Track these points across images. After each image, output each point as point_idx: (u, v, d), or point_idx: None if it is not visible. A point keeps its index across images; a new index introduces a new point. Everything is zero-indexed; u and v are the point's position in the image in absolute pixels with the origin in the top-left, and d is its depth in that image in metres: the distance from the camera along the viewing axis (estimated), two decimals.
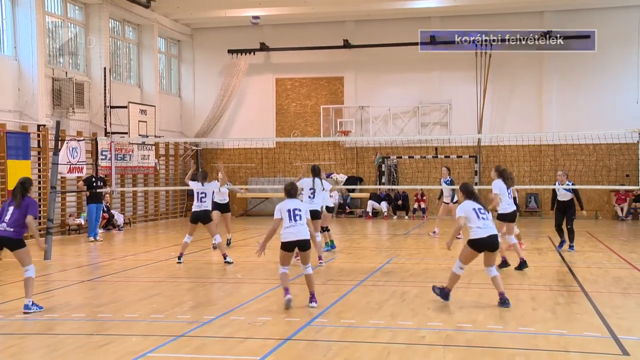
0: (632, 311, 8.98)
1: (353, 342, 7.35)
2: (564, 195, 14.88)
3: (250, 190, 26.26)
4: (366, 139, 26.53)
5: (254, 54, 27.56)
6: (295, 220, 8.92)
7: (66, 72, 20.75)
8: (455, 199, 17.35)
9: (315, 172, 12.96)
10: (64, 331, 8.03)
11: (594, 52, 25.14)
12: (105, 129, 21.94)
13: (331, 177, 26.49)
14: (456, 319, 8.35)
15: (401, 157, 26.60)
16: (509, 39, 25.43)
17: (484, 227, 9.02)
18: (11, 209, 9.00)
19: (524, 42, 25.54)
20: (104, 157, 20.47)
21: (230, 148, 27.17)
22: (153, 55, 25.48)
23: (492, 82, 25.88)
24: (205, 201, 13.42)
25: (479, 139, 25.53)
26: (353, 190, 26.61)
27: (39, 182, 19.13)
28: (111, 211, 21.11)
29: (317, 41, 26.93)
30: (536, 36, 25.30)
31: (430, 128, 26.41)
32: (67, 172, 19.46)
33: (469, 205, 9.19)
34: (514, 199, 12.87)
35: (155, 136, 23.68)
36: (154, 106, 24.05)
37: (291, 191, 9.28)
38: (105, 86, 21.90)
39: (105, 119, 21.97)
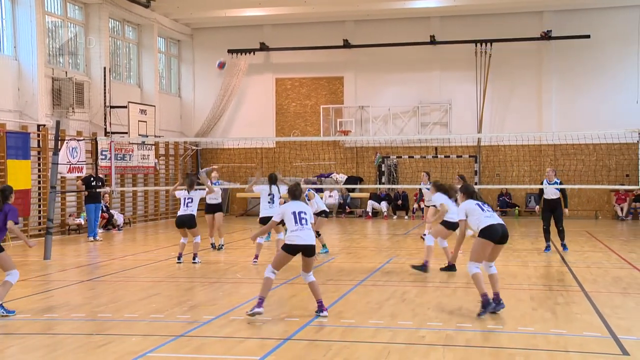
0: (631, 311, 8.98)
1: (353, 342, 7.35)
2: (552, 194, 14.76)
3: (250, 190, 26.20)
4: (366, 139, 26.54)
5: (254, 53, 27.57)
6: (302, 224, 8.45)
7: (66, 72, 20.76)
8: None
9: (272, 180, 13.19)
10: (64, 331, 8.02)
11: (593, 52, 25.19)
12: (105, 128, 21.94)
13: (331, 177, 26.53)
14: (456, 319, 8.35)
15: (401, 157, 26.60)
16: (508, 39, 25.47)
17: (491, 216, 8.71)
18: None
19: (523, 42, 25.59)
20: (103, 157, 20.47)
21: (230, 148, 27.18)
22: (153, 55, 25.48)
23: (491, 82, 25.89)
24: (191, 206, 13.51)
25: (478, 138, 25.54)
26: (353, 190, 26.61)
27: (39, 182, 19.13)
28: (111, 211, 21.12)
29: (317, 41, 26.94)
30: (536, 36, 25.32)
31: (430, 128, 26.42)
32: (67, 172, 19.46)
33: (471, 203, 8.91)
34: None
35: (155, 136, 23.68)
36: (154, 106, 24.05)
37: (296, 192, 8.80)
38: (105, 86, 21.90)
39: (105, 118, 21.98)
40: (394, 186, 25.36)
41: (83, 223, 19.72)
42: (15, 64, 18.82)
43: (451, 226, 11.59)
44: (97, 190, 18.30)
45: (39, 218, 19.10)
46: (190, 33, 28.39)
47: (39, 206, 19.14)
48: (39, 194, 19.07)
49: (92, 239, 17.93)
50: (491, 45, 25.66)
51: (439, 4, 25.36)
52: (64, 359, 6.86)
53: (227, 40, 27.77)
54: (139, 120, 22.69)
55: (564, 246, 14.88)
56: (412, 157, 26.42)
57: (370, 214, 25.80)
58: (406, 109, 26.72)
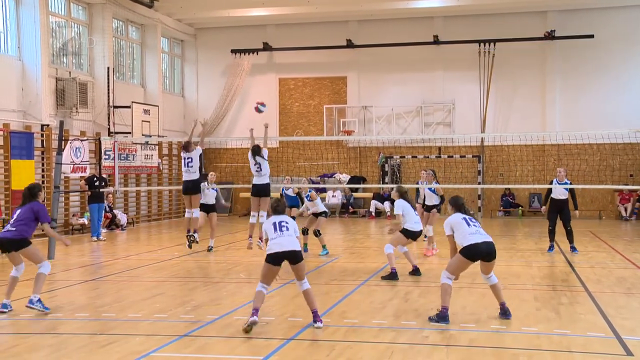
0: (635, 311, 8.97)
1: (356, 342, 7.35)
2: (561, 194, 14.70)
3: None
4: (369, 139, 26.53)
5: (257, 53, 27.58)
6: (282, 231, 7.97)
7: (70, 72, 20.78)
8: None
9: (255, 151, 13.06)
10: (68, 331, 8.04)
11: (597, 51, 25.15)
12: (109, 128, 21.96)
13: (334, 177, 26.53)
14: (459, 319, 8.34)
15: (404, 157, 26.58)
16: (512, 39, 25.44)
17: (476, 233, 8.29)
18: (18, 211, 9.06)
19: (527, 42, 25.56)
20: (107, 156, 20.51)
21: (233, 148, 27.20)
22: (156, 55, 25.50)
23: (495, 81, 25.86)
24: (192, 166, 13.52)
25: (482, 138, 25.52)
26: (356, 190, 26.61)
27: (43, 182, 19.15)
28: (114, 211, 21.15)
29: (320, 41, 26.94)
30: (539, 36, 25.30)
31: (434, 128, 26.40)
32: (71, 172, 19.48)
33: (457, 217, 8.49)
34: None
35: (159, 136, 23.70)
36: (157, 106, 24.07)
37: (277, 208, 8.38)
38: (108, 86, 21.93)
39: (108, 118, 22.00)
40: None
41: (86, 223, 19.75)
42: (19, 64, 18.86)
43: (411, 235, 11.41)
44: (101, 190, 18.32)
45: None
46: (194, 33, 28.42)
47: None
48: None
49: (96, 239, 17.96)
50: (494, 45, 25.64)
51: (442, 4, 25.33)
52: (68, 359, 6.87)
53: (230, 40, 27.80)
54: (142, 120, 22.71)
55: (573, 248, 14.73)
56: (416, 157, 26.40)
57: (373, 214, 25.79)
58: (409, 108, 26.71)
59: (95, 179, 18.50)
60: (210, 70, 28.34)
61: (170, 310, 8.97)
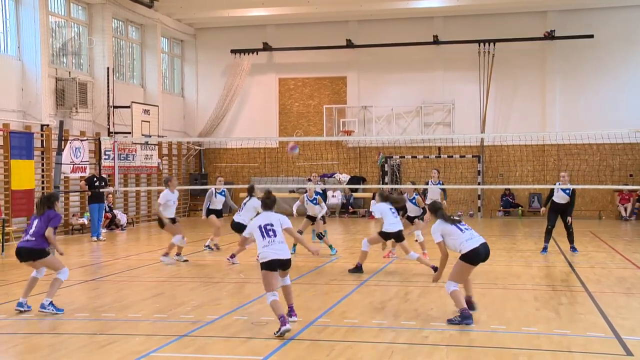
0: (635, 311, 8.97)
1: (356, 342, 7.35)
2: (562, 199, 14.64)
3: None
4: (369, 139, 26.53)
5: (257, 53, 27.58)
6: (269, 236, 7.84)
7: (69, 72, 20.78)
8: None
9: (250, 191, 13.91)
10: (68, 331, 8.04)
11: (597, 51, 25.15)
12: (109, 128, 21.96)
13: (334, 177, 26.53)
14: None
15: (404, 157, 26.59)
16: (512, 39, 25.45)
17: (471, 238, 8.31)
18: (35, 221, 9.06)
19: (527, 42, 25.56)
20: (107, 156, 20.50)
21: (233, 148, 27.20)
22: (156, 55, 25.49)
23: (495, 81, 25.86)
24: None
25: (482, 138, 25.52)
26: (356, 190, 26.60)
27: (43, 182, 19.16)
28: (114, 211, 21.15)
29: (320, 41, 26.93)
30: (539, 36, 25.30)
31: (433, 128, 26.40)
32: (71, 172, 19.49)
33: (445, 225, 8.45)
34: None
35: (159, 136, 23.70)
36: (157, 106, 24.07)
37: (267, 202, 8.24)
38: (108, 86, 21.92)
39: (108, 118, 22.00)
40: (397, 186, 25.28)
41: (86, 223, 19.75)
42: (18, 64, 18.86)
43: (387, 237, 11.94)
44: (101, 190, 18.32)
45: None
46: (194, 33, 28.41)
47: None
48: (43, 194, 19.08)
49: (96, 239, 17.96)
50: (494, 45, 25.64)
51: (442, 4, 25.33)
52: (68, 359, 6.87)
53: (230, 40, 27.79)
54: (142, 120, 22.71)
55: (573, 248, 14.71)
56: (415, 157, 26.40)
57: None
58: (409, 108, 26.71)
59: (95, 179, 18.50)
60: (210, 70, 28.33)
61: (170, 310, 8.96)
